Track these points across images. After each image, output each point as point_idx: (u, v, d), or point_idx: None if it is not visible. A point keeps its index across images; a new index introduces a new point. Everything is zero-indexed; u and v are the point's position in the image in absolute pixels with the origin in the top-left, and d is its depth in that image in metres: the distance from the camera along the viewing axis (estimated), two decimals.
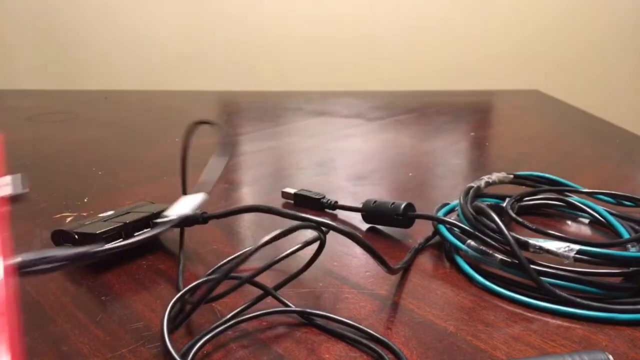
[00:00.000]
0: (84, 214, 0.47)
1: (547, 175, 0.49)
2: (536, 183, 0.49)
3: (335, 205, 0.48)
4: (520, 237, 0.35)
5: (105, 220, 0.39)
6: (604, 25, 1.66)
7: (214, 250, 0.40)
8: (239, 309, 0.31)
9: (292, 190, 0.50)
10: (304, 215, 0.31)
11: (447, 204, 0.46)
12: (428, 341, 0.29)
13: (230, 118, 0.93)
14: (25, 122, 0.88)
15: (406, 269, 0.37)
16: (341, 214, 0.48)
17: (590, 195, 0.46)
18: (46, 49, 1.72)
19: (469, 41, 1.66)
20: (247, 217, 0.46)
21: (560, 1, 1.64)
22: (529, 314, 0.32)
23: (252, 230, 0.44)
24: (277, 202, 0.50)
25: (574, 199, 0.46)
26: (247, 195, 0.53)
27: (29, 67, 1.72)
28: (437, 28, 1.66)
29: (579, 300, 0.32)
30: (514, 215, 0.40)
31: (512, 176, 0.48)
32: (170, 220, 0.34)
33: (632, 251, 0.38)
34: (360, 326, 0.29)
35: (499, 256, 0.35)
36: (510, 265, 0.34)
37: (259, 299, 0.32)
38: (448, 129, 0.83)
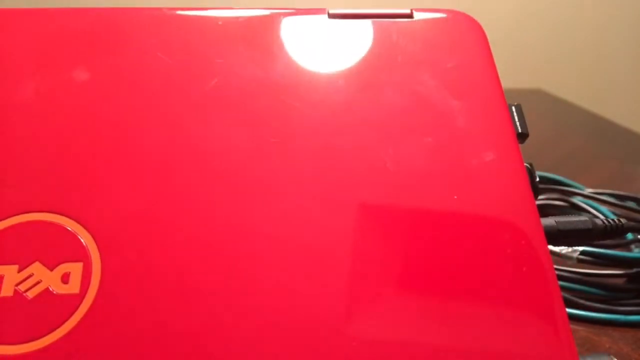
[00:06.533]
0: None
1: (550, 175, 0.48)
2: (539, 183, 0.48)
3: None
4: None
5: None
6: (608, 24, 1.65)
7: None
8: None
9: None
10: None
11: None
12: None
13: None
14: None
15: None
16: None
17: (593, 196, 0.46)
18: None
19: None
20: None
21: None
22: None
23: None
24: None
25: (577, 199, 0.46)
26: None
27: None
28: None
29: (582, 301, 0.32)
30: None
31: None
32: None
33: (635, 252, 0.37)
34: None
35: None
36: None
37: None
38: None
